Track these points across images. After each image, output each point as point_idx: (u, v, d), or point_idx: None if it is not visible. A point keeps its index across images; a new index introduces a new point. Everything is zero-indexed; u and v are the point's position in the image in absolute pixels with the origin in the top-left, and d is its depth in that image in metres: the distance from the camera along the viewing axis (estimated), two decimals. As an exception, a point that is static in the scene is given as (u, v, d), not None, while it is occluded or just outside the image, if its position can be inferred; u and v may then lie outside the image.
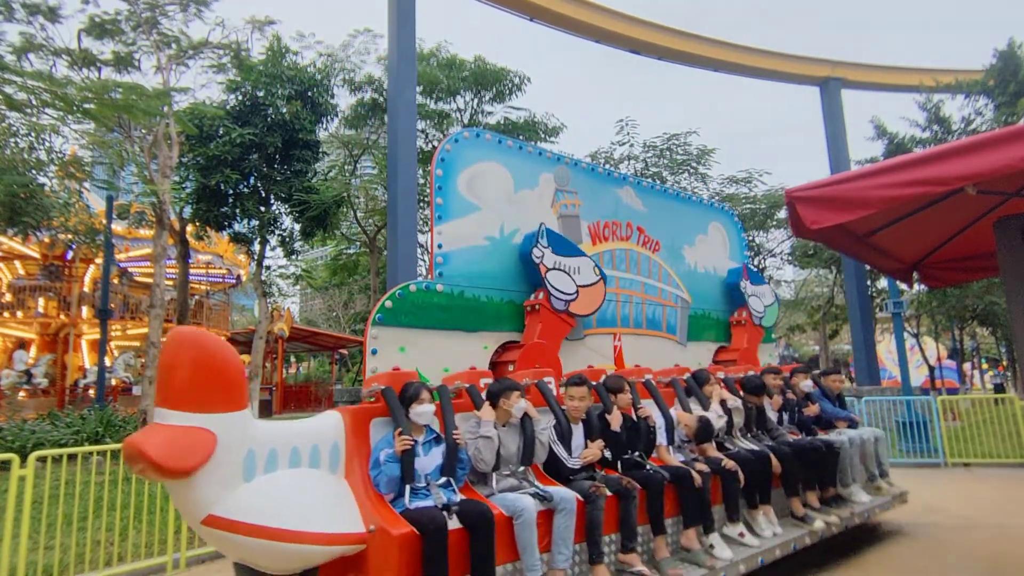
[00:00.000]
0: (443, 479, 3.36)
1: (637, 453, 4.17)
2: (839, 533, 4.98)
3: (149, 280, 17.27)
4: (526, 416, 3.74)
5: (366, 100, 18.65)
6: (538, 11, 17.37)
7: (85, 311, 19.99)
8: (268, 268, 23.19)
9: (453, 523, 3.07)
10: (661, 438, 4.47)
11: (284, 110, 14.81)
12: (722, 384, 5.18)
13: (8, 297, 19.48)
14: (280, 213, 16.48)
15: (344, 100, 18.81)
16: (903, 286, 10.90)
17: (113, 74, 12.16)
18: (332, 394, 14.74)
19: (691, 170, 20.70)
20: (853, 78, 21.87)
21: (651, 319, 6.23)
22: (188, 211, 16.40)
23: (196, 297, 23.26)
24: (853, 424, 5.86)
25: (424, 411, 3.44)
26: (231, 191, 15.17)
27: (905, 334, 14.48)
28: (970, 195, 3.47)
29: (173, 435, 2.69)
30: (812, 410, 5.66)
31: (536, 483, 3.65)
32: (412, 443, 3.28)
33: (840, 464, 5.23)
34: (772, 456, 4.70)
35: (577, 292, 5.01)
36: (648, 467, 4.10)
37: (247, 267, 23.33)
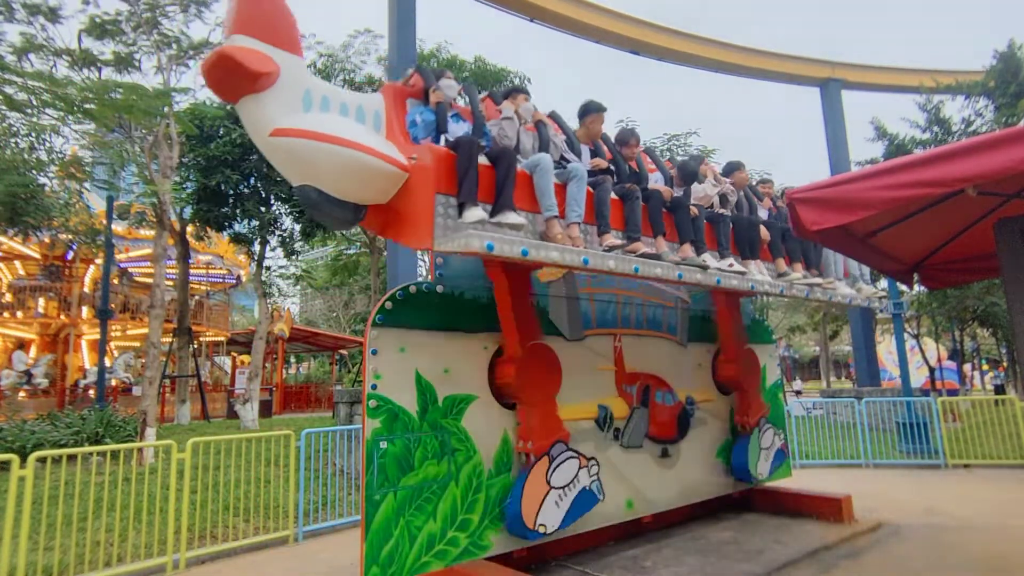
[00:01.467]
0: None
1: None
2: (812, 298, 5.54)
3: (149, 280, 17.26)
4: (542, 124, 4.34)
5: (366, 100, 18.64)
6: (538, 12, 17.39)
7: (85, 311, 19.99)
8: (268, 268, 23.19)
9: (481, 160, 3.56)
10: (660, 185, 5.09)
11: (284, 110, 14.79)
12: (715, 168, 5.81)
13: (8, 297, 19.48)
14: (280, 213, 16.47)
15: (344, 100, 18.79)
16: (903, 287, 10.90)
17: (113, 74, 12.16)
18: (332, 395, 14.74)
19: (691, 171, 20.67)
20: (853, 79, 21.88)
21: (651, 320, 6.23)
22: (188, 211, 16.39)
23: (196, 297, 23.26)
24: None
25: (450, 84, 4.03)
26: (231, 191, 15.16)
27: (905, 335, 14.48)
28: (970, 196, 3.47)
29: (248, 49, 3.18)
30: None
31: None
32: (444, 97, 3.87)
33: (824, 256, 5.81)
34: (762, 227, 5.33)
35: None
36: None
37: (247, 267, 23.32)
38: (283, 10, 3.37)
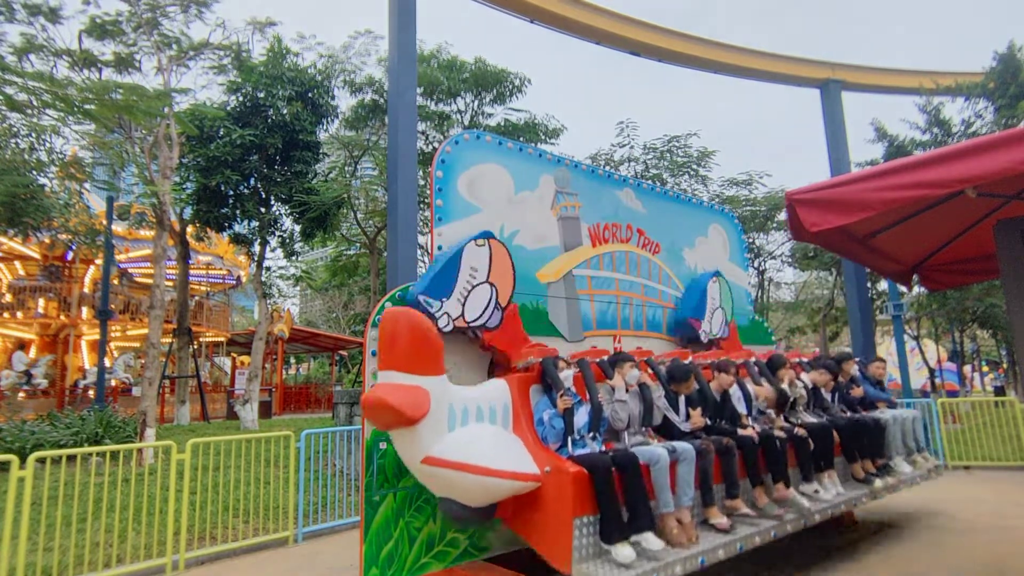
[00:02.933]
0: (591, 433, 4.06)
1: (724, 421, 4.88)
2: (887, 495, 5.55)
3: (149, 281, 17.25)
4: (645, 385, 4.47)
5: (367, 101, 18.63)
6: (538, 13, 17.38)
7: (85, 312, 19.98)
8: (268, 269, 23.17)
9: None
10: (742, 408, 5.12)
11: (285, 111, 14.81)
12: (796, 367, 5.88)
13: (8, 297, 19.48)
14: (280, 214, 16.47)
15: (345, 101, 18.83)
16: (903, 288, 10.90)
17: (114, 75, 12.17)
18: (332, 395, 14.80)
19: (691, 172, 20.70)
20: (853, 80, 21.88)
21: (651, 321, 6.22)
22: (188, 212, 16.39)
23: (196, 298, 23.25)
24: (892, 405, 6.48)
25: (567, 375, 4.15)
26: (231, 192, 15.16)
27: (905, 336, 14.48)
28: (970, 198, 3.47)
29: (406, 390, 3.45)
30: (857, 392, 6.27)
31: (654, 439, 4.36)
32: (572, 402, 3.99)
33: (885, 438, 5.84)
34: (833, 429, 5.32)
35: (492, 287, 4.51)
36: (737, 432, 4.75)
37: (247, 268, 23.32)
38: (431, 336, 3.65)
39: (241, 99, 14.94)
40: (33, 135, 12.45)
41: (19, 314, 19.34)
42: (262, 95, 14.83)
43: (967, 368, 32.26)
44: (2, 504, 4.79)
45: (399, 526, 4.00)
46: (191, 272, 19.39)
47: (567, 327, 5.34)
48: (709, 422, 4.74)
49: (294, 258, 20.16)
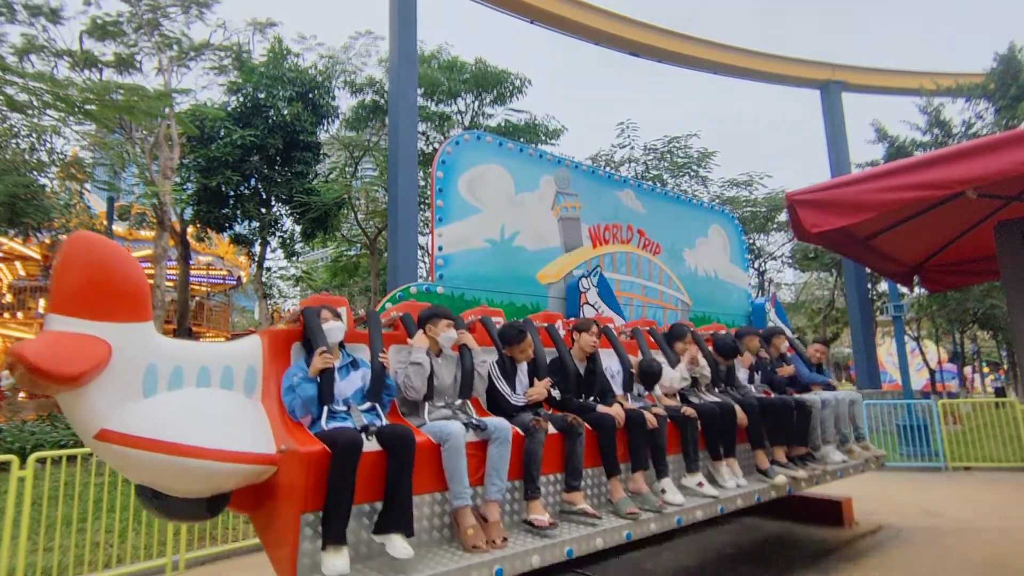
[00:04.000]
0: (367, 404, 3.18)
1: (592, 398, 4.07)
2: (805, 487, 4.83)
3: (150, 281, 17.24)
4: (465, 348, 3.60)
5: (367, 102, 18.65)
6: (538, 14, 17.40)
7: (85, 312, 19.97)
8: (268, 269, 23.21)
9: (372, 445, 2.85)
10: (617, 387, 4.33)
11: (285, 112, 14.83)
12: (695, 346, 4.98)
13: (9, 298, 19.49)
14: (281, 215, 16.50)
15: (345, 102, 18.84)
16: (904, 289, 10.90)
17: (114, 75, 12.20)
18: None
19: (691, 173, 20.72)
20: (853, 81, 21.90)
21: (651, 322, 6.22)
22: (189, 212, 16.41)
23: (197, 298, 23.27)
24: (830, 388, 5.63)
25: (331, 328, 3.21)
26: (232, 192, 15.18)
27: (906, 337, 14.47)
28: (971, 199, 3.47)
29: (58, 340, 2.45)
30: (786, 371, 5.49)
31: (473, 415, 3.50)
32: (331, 361, 3.08)
33: (811, 423, 5.09)
34: (738, 409, 4.56)
35: None
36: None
37: (247, 268, 23.33)
38: (123, 269, 2.66)
39: (242, 100, 14.96)
40: (34, 135, 12.48)
41: (20, 314, 19.35)
42: (263, 96, 14.85)
43: (968, 369, 32.25)
44: (2, 504, 4.79)
45: (399, 527, 3.96)
46: (191, 272, 19.40)
47: (567, 328, 5.32)
48: (557, 396, 3.92)
49: (294, 258, 20.20)
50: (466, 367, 3.55)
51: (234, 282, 26.97)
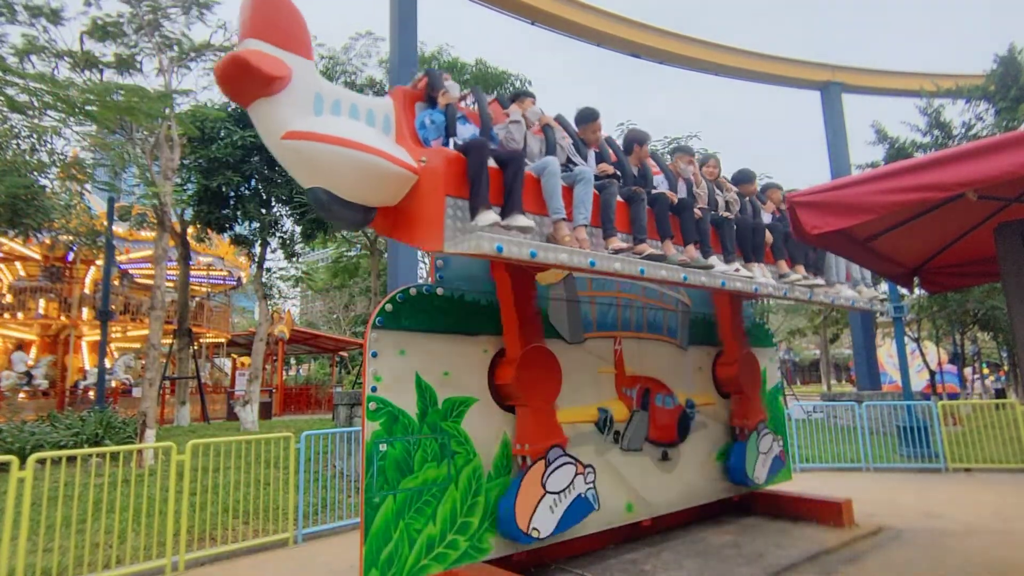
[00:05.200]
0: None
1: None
2: (816, 300, 5.57)
3: (150, 282, 17.27)
4: (549, 127, 4.32)
5: (367, 103, 18.66)
6: (539, 15, 17.41)
7: (85, 313, 19.99)
8: (269, 270, 23.17)
9: (490, 163, 3.56)
10: (664, 187, 5.08)
11: (286, 112, 14.81)
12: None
13: (9, 298, 19.49)
14: (281, 215, 16.48)
15: (346, 103, 18.81)
16: (904, 291, 10.90)
17: (115, 76, 12.18)
18: (332, 397, 14.81)
19: (692, 174, 20.69)
20: (854, 82, 21.90)
21: (651, 322, 6.22)
22: (189, 213, 16.41)
23: (197, 299, 23.26)
24: None
25: (454, 86, 4.06)
26: (232, 193, 15.18)
27: (906, 339, 14.46)
28: (971, 200, 3.47)
29: (263, 52, 3.21)
30: None
31: None
32: (454, 97, 3.96)
33: (826, 260, 5.82)
34: (766, 229, 5.34)
35: None
36: None
37: (248, 269, 23.33)
38: (295, 14, 3.42)
39: (242, 100, 14.95)
40: (34, 136, 12.47)
41: (20, 315, 19.35)
42: (263, 96, 14.84)
43: (968, 370, 32.21)
44: (2, 505, 4.79)
45: (399, 528, 4.00)
46: (192, 273, 19.40)
47: (567, 329, 5.34)
48: (619, 173, 4.64)
49: (295, 259, 20.17)
50: (550, 140, 4.28)
51: (234, 283, 26.98)
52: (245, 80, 3.16)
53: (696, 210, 4.70)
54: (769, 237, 5.37)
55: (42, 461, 4.91)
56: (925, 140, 17.17)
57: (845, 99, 21.86)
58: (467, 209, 3.52)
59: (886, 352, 26.36)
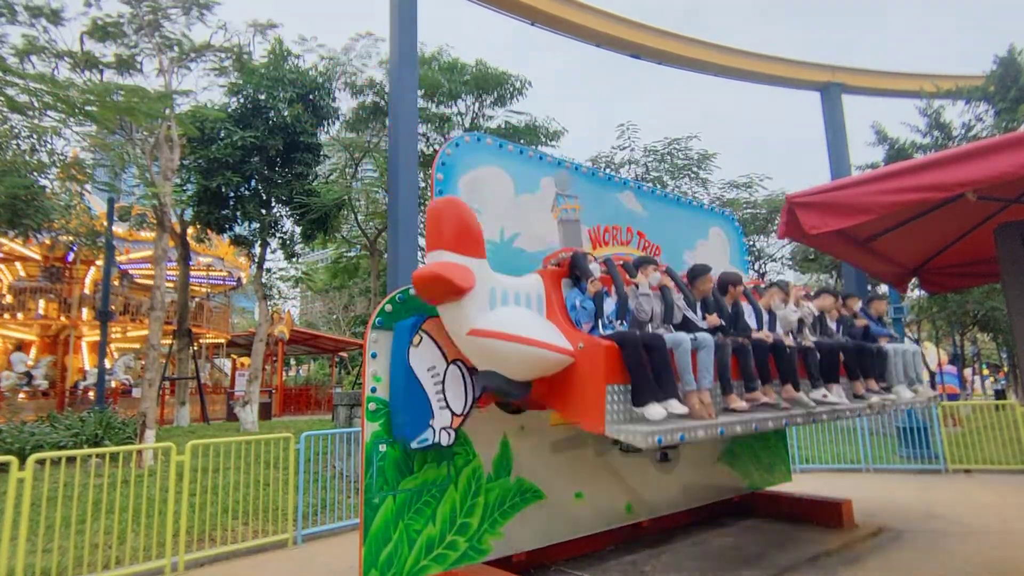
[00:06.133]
0: (619, 320, 4.39)
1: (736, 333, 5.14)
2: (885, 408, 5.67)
3: (150, 282, 17.26)
4: (666, 288, 4.75)
5: (367, 103, 18.66)
6: (539, 15, 17.42)
7: (85, 313, 19.99)
8: (268, 271, 23.21)
9: None
10: (754, 324, 5.40)
11: (286, 113, 14.83)
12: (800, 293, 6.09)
13: (9, 299, 19.49)
14: (281, 216, 16.48)
15: (346, 103, 18.85)
16: (904, 292, 10.90)
17: (115, 77, 12.19)
18: (332, 397, 14.81)
19: (691, 175, 20.72)
20: (854, 83, 21.90)
21: (651, 324, 6.23)
22: (189, 213, 16.41)
23: (197, 299, 23.26)
24: (893, 339, 6.63)
25: (594, 267, 4.52)
26: (232, 194, 15.17)
27: (906, 339, 14.46)
28: (970, 201, 3.47)
29: (452, 266, 3.70)
30: (861, 322, 6.52)
31: None
32: (602, 287, 4.41)
33: (887, 365, 6.08)
34: (839, 350, 5.57)
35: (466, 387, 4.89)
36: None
37: (247, 269, 23.34)
38: (475, 222, 3.93)
39: (242, 101, 14.97)
40: (34, 136, 12.48)
41: (19, 315, 19.35)
42: (263, 97, 14.86)
43: (968, 371, 32.21)
44: (1, 505, 4.78)
45: (399, 528, 4.00)
46: (191, 274, 19.40)
47: (567, 329, 5.34)
48: (724, 324, 5.02)
49: (294, 260, 20.19)
50: (667, 301, 4.72)
51: (234, 283, 26.98)
52: (443, 291, 3.65)
53: (786, 344, 5.08)
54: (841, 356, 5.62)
55: (42, 461, 4.91)
56: (925, 141, 17.18)
57: (845, 100, 21.86)
58: (625, 394, 3.91)
59: (886, 353, 26.28)
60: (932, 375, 23.22)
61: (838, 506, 6.10)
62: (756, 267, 22.58)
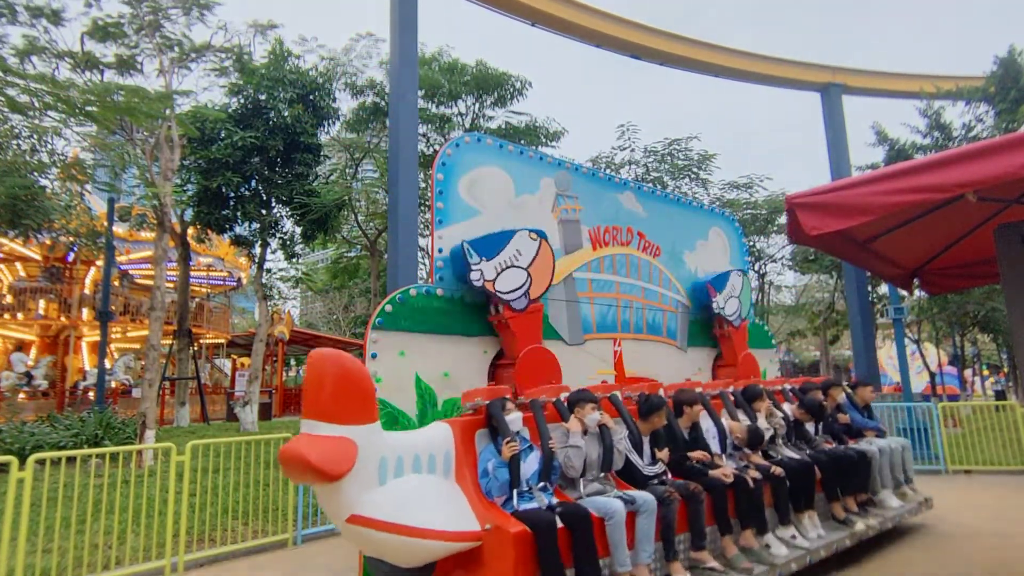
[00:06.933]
0: (541, 483, 3.72)
1: (698, 461, 4.52)
2: (873, 536, 5.24)
3: (150, 282, 17.27)
4: (605, 427, 4.08)
5: (368, 104, 18.66)
6: (539, 16, 17.40)
7: (85, 313, 19.99)
8: (269, 271, 23.21)
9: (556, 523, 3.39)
10: (716, 447, 4.78)
11: (286, 113, 14.84)
12: (768, 402, 5.48)
13: (9, 299, 19.49)
14: (281, 216, 16.49)
15: (346, 104, 18.86)
16: (903, 292, 10.91)
17: (115, 77, 12.19)
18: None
19: (692, 175, 20.72)
20: (854, 84, 21.88)
21: (651, 324, 6.22)
22: (189, 214, 16.42)
23: (197, 300, 23.27)
24: (880, 434, 6.17)
25: (514, 419, 3.79)
26: (232, 194, 15.18)
27: (906, 340, 14.46)
28: (970, 202, 3.47)
29: (327, 444, 3.04)
30: (844, 419, 5.97)
31: (614, 486, 4.02)
32: (518, 449, 3.66)
33: (872, 471, 5.59)
34: (814, 465, 5.00)
35: (528, 276, 4.72)
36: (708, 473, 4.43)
37: (248, 270, 23.34)
38: (362, 380, 3.25)
39: (242, 101, 14.97)
40: (35, 137, 12.48)
41: (20, 315, 19.35)
42: (263, 97, 14.86)
43: (968, 372, 32.21)
44: (1, 506, 4.78)
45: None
46: (192, 274, 19.41)
47: (567, 330, 5.34)
48: (679, 457, 4.45)
49: (295, 260, 20.17)
50: (607, 444, 4.05)
51: (234, 283, 26.98)
52: (312, 478, 3.00)
53: (750, 479, 4.42)
54: (818, 472, 5.05)
55: (42, 462, 4.90)
56: (925, 142, 17.19)
57: (845, 101, 21.85)
58: None
59: (886, 354, 26.37)
60: (932, 376, 23.23)
61: (838, 507, 6.08)
62: (756, 267, 22.59)
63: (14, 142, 12.46)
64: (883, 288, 21.03)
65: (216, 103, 15.27)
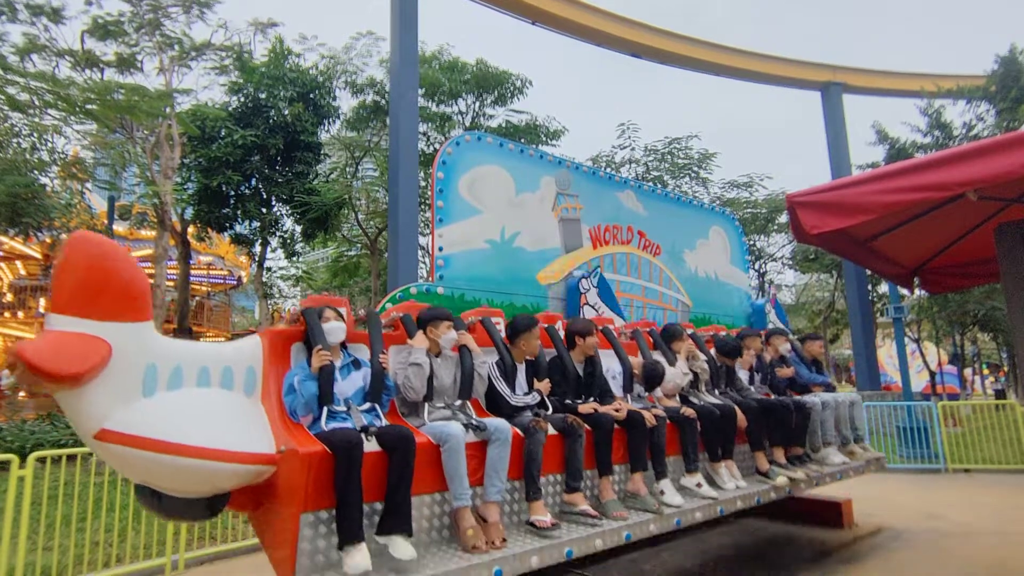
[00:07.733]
0: (367, 405, 3.17)
1: (592, 399, 4.03)
2: (805, 489, 4.84)
3: (150, 281, 17.26)
4: (465, 349, 3.60)
5: (368, 102, 18.67)
6: (539, 15, 17.41)
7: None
8: (269, 269, 23.22)
9: (372, 446, 2.86)
10: (616, 388, 4.31)
11: (286, 112, 14.84)
12: (693, 342, 5.00)
13: (9, 297, 19.50)
14: (281, 215, 16.51)
15: (346, 102, 18.88)
16: (904, 291, 10.90)
17: (116, 75, 12.21)
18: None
19: (692, 174, 20.73)
20: (854, 83, 21.91)
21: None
22: (189, 212, 16.42)
23: (197, 298, 23.28)
24: (830, 389, 5.69)
25: (333, 328, 3.22)
26: (232, 192, 15.20)
27: (906, 339, 14.47)
28: (971, 201, 3.47)
29: (59, 339, 2.46)
30: (786, 372, 5.51)
31: (472, 416, 3.47)
32: (330, 360, 3.09)
33: (811, 425, 5.10)
34: (737, 410, 4.54)
35: None
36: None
37: (248, 268, 23.34)
38: (123, 269, 2.65)
39: (242, 100, 14.98)
40: (35, 135, 12.49)
41: (20, 314, 19.36)
42: (263, 96, 14.87)
43: (968, 371, 32.23)
44: (2, 504, 4.79)
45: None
46: (192, 272, 19.41)
47: (567, 329, 5.33)
48: (561, 398, 3.95)
49: (295, 259, 20.20)
50: (466, 368, 3.54)
51: (234, 282, 26.98)
52: (33, 378, 2.37)
53: (649, 416, 3.89)
54: (742, 419, 4.56)
55: (42, 460, 4.91)
56: (926, 141, 17.18)
57: (846, 100, 21.87)
58: (333, 529, 2.71)
59: (886, 353, 26.38)
60: (933, 375, 23.23)
61: (838, 506, 6.10)
62: (756, 266, 22.60)
63: (14, 140, 12.47)
64: (883, 287, 21.04)
65: (216, 102, 15.28)
